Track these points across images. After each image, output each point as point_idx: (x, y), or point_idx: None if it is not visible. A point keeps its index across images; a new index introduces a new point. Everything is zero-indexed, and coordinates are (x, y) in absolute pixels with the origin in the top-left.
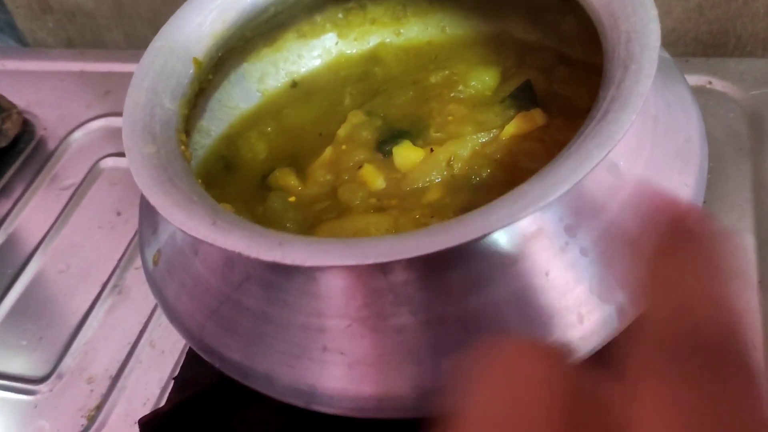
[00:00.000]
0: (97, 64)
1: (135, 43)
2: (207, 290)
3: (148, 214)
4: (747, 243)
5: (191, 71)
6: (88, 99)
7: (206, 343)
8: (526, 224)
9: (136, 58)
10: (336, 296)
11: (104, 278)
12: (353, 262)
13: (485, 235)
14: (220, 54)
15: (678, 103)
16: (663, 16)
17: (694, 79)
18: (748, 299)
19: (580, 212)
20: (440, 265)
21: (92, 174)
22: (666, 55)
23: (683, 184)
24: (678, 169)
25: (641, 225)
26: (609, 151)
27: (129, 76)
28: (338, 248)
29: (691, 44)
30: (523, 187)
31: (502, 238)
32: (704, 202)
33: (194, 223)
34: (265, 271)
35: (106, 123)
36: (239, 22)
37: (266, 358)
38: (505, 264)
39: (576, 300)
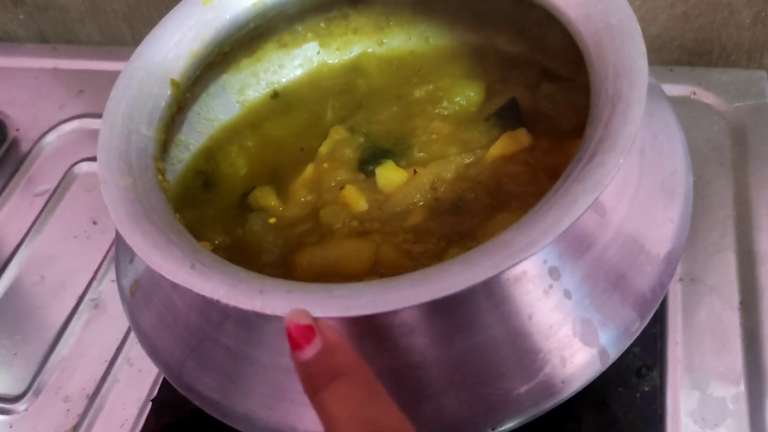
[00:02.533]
0: (70, 60)
1: (109, 38)
2: (186, 327)
3: (124, 242)
4: (728, 262)
5: (168, 93)
6: (61, 98)
7: (185, 380)
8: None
9: (110, 56)
10: None
11: (80, 291)
12: (335, 314)
13: (469, 287)
14: (198, 73)
15: (664, 133)
16: (648, 23)
17: (679, 89)
18: (730, 320)
19: (564, 254)
20: (423, 310)
21: (67, 179)
22: (652, 80)
23: (668, 219)
24: (663, 203)
25: (626, 263)
26: (596, 198)
27: (103, 74)
28: (320, 298)
29: (676, 51)
30: (509, 234)
31: (485, 283)
32: None
33: (172, 267)
34: (245, 312)
35: (80, 125)
36: (218, 39)
37: (246, 399)
38: (488, 308)
39: (559, 343)
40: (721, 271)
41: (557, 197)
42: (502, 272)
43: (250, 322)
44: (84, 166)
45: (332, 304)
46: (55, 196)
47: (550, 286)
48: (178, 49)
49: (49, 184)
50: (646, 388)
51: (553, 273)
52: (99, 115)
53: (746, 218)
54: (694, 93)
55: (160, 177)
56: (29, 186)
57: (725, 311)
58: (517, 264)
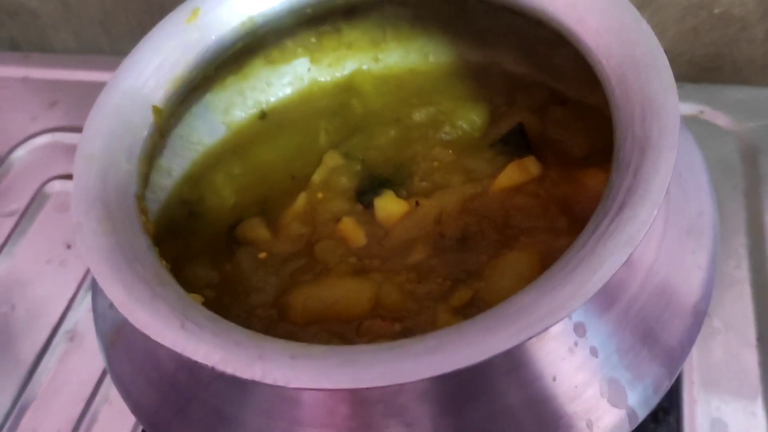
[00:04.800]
0: (43, 69)
1: (85, 45)
2: (173, 386)
3: None
4: (744, 295)
5: (151, 121)
6: (33, 110)
7: None
8: None
9: (85, 65)
10: (320, 405)
11: (54, 322)
12: (345, 386)
13: (493, 356)
14: (182, 98)
15: (689, 171)
16: (657, 38)
17: (687, 108)
18: (747, 358)
19: (589, 308)
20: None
21: (38, 199)
22: None
23: (696, 265)
24: (691, 248)
25: (654, 317)
26: (629, 256)
27: (78, 84)
28: (327, 366)
29: (684, 66)
30: (532, 294)
31: None
32: None
33: (160, 326)
34: None
35: (52, 139)
36: (203, 61)
37: None
38: (507, 371)
39: (585, 405)
40: (737, 305)
41: (584, 253)
42: (525, 340)
43: (244, 383)
44: (57, 185)
45: (342, 375)
46: (26, 216)
47: (575, 344)
48: (160, 73)
49: (19, 204)
50: None
51: (579, 329)
52: (73, 129)
53: (761, 248)
54: (702, 112)
55: (143, 218)
56: None
57: (742, 349)
58: (543, 331)
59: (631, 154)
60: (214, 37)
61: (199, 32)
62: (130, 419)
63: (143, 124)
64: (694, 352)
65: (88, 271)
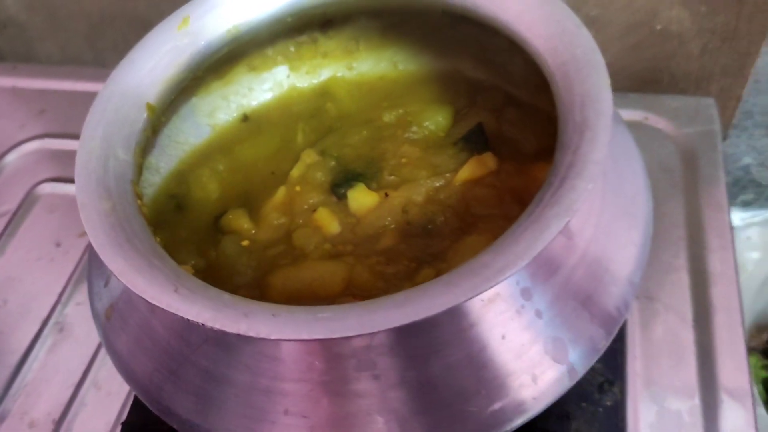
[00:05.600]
0: (30, 80)
1: (70, 57)
2: (165, 351)
3: (98, 265)
4: (682, 282)
5: (144, 117)
6: (22, 118)
7: (164, 404)
8: None
9: (72, 75)
10: (298, 361)
11: (44, 315)
12: (321, 336)
13: (449, 309)
14: (173, 98)
15: (624, 157)
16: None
17: (631, 114)
18: (684, 336)
19: (535, 275)
20: (402, 331)
21: (29, 200)
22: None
23: (630, 242)
24: (626, 227)
25: (593, 284)
26: (569, 221)
27: (65, 94)
28: (305, 321)
29: (626, 80)
30: (486, 257)
31: (461, 305)
32: None
33: (156, 291)
34: (226, 335)
35: (41, 145)
36: (192, 64)
37: (227, 421)
38: (464, 328)
39: (530, 361)
40: (676, 289)
41: (530, 221)
42: (479, 294)
43: (230, 343)
44: (47, 187)
45: (318, 327)
46: (16, 216)
47: (522, 307)
48: (153, 74)
49: (11, 205)
50: (608, 403)
51: (525, 294)
52: (61, 135)
53: (698, 239)
54: (647, 118)
55: (138, 202)
56: None
57: (680, 328)
58: (495, 285)
59: (572, 137)
60: (203, 43)
61: (189, 38)
62: (118, 401)
63: (138, 119)
64: (637, 331)
65: (76, 267)
